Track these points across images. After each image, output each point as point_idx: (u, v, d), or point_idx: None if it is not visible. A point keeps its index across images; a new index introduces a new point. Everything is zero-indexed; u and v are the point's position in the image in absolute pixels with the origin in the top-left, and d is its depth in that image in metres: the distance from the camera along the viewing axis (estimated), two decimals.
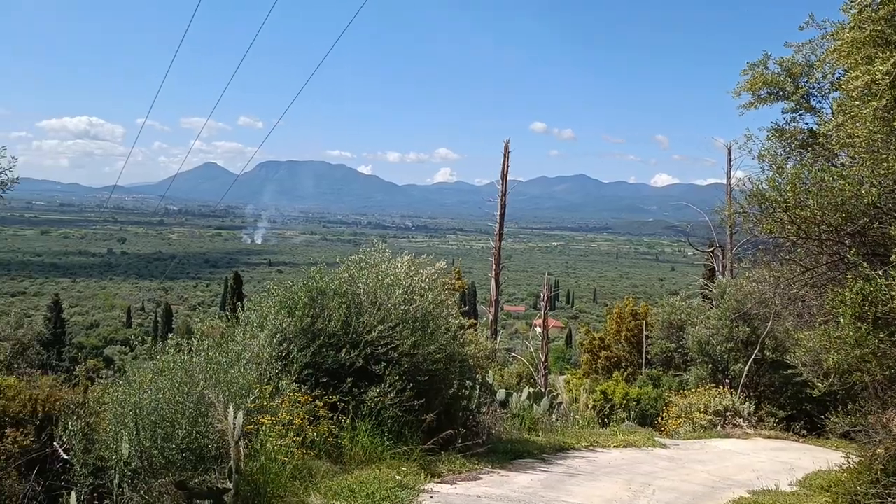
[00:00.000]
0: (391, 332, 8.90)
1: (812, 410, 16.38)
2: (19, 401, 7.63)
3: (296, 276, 10.00)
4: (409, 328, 9.07)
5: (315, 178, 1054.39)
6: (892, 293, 6.37)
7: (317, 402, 7.88)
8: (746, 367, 17.35)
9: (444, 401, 9.60)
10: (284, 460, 6.78)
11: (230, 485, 6.11)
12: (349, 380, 8.51)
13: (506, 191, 24.80)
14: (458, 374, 10.02)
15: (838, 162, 10.51)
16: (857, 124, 7.89)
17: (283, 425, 7.07)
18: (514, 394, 14.59)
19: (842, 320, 6.83)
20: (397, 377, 8.56)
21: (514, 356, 32.52)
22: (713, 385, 17.40)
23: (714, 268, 29.14)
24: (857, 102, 8.11)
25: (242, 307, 9.64)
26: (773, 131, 15.27)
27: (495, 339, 23.64)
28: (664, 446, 13.12)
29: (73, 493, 6.34)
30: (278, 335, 8.47)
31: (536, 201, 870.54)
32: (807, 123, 15.21)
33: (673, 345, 22.35)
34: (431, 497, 7.36)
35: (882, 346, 6.55)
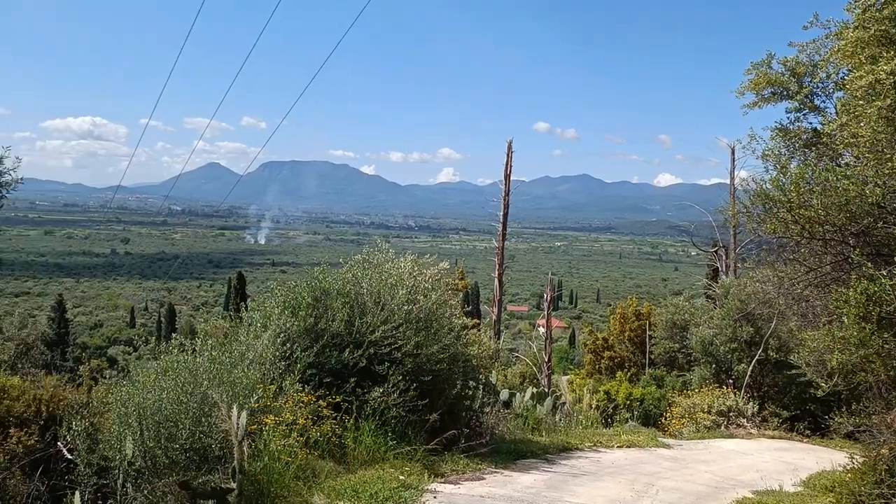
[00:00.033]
0: (395, 332, 8.90)
1: (816, 411, 16.34)
2: (23, 401, 7.65)
3: (299, 276, 10.00)
4: (413, 328, 9.07)
5: (318, 179, 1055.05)
6: None
7: (320, 402, 7.88)
8: (750, 368, 17.33)
9: (448, 401, 9.59)
10: (288, 460, 6.78)
11: (234, 485, 6.11)
12: (352, 380, 8.51)
13: (509, 191, 24.80)
14: (461, 375, 10.01)
15: (842, 162, 10.49)
16: (862, 124, 7.88)
17: (286, 425, 7.07)
18: (518, 394, 14.59)
19: (846, 320, 6.82)
20: (401, 377, 8.56)
21: (517, 356, 32.53)
22: (717, 385, 17.37)
23: (717, 268, 29.09)
24: (861, 102, 8.11)
25: (246, 307, 9.64)
26: (776, 131, 15.26)
27: (498, 339, 23.64)
28: (668, 446, 13.10)
29: (77, 493, 6.35)
30: (282, 335, 8.48)
31: (540, 201, 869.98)
32: (811, 123, 15.21)
33: (676, 345, 22.31)
34: (435, 497, 7.35)
35: (886, 346, 6.54)
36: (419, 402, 8.63)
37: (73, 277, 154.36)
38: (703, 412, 16.05)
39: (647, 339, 24.92)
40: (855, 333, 6.65)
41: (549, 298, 26.61)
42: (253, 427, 6.72)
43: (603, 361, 28.25)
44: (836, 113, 12.43)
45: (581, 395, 20.19)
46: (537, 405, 14.26)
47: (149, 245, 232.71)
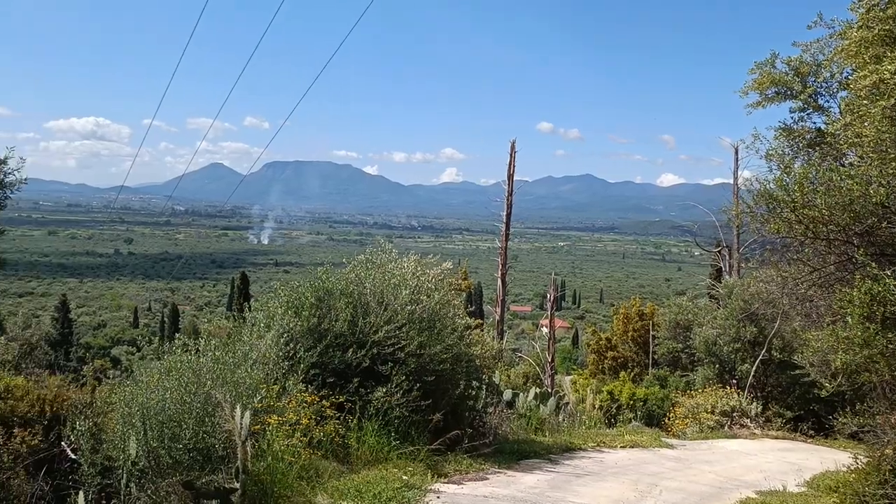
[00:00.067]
0: (398, 333, 8.90)
1: (820, 411, 16.31)
2: (27, 401, 7.66)
3: (302, 276, 10.01)
4: (416, 328, 9.07)
5: (321, 179, 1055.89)
6: None
7: (323, 402, 7.88)
8: (754, 368, 17.30)
9: (451, 401, 9.59)
10: (291, 460, 6.78)
11: (237, 485, 6.12)
12: (356, 380, 8.51)
13: (512, 191, 24.78)
14: (464, 375, 10.01)
15: (846, 161, 10.47)
16: (866, 124, 7.86)
17: (289, 425, 7.07)
18: (521, 394, 14.58)
19: (850, 320, 6.80)
20: (404, 377, 8.56)
21: (520, 356, 32.51)
22: (720, 385, 17.35)
23: (721, 268, 29.06)
24: (865, 101, 8.09)
25: (249, 307, 9.65)
26: (780, 131, 15.23)
27: (502, 339, 23.62)
28: (671, 447, 13.09)
29: (81, 493, 6.35)
30: (285, 335, 8.48)
31: (543, 201, 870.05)
32: (815, 123, 15.17)
33: (680, 345, 22.29)
34: (438, 497, 7.35)
35: (891, 346, 6.52)
36: (422, 402, 8.64)
37: (76, 278, 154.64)
38: (707, 412, 16.03)
39: (650, 340, 24.89)
40: (859, 333, 6.64)
41: (552, 298, 26.59)
42: (256, 427, 6.72)
43: (606, 361, 28.22)
44: (840, 112, 12.41)
45: (584, 396, 20.18)
46: (540, 405, 14.26)
47: (152, 245, 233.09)
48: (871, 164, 7.49)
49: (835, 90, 14.75)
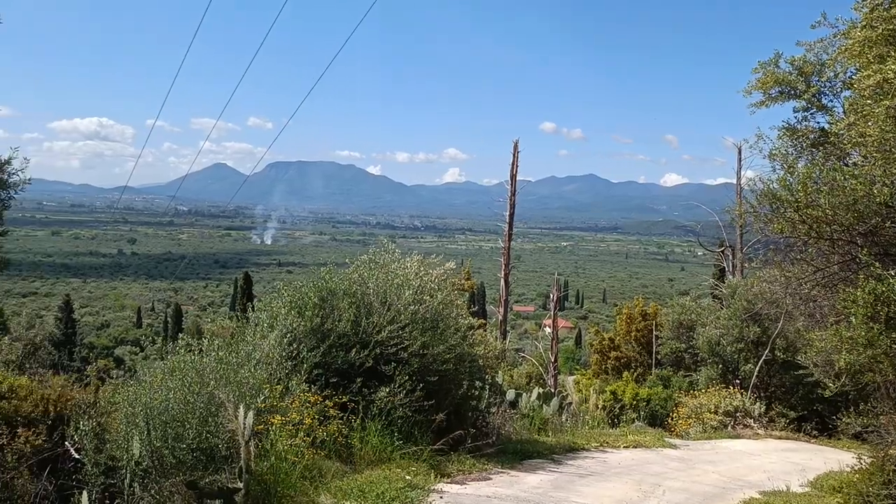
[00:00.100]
0: (401, 333, 8.90)
1: (823, 411, 16.29)
2: (31, 400, 7.66)
3: (305, 276, 10.02)
4: (419, 328, 9.08)
5: (324, 179, 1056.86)
6: None
7: (327, 402, 7.89)
8: (757, 368, 17.28)
9: (454, 401, 9.60)
10: (295, 460, 6.79)
11: (240, 485, 6.12)
12: (359, 380, 8.52)
13: (515, 191, 24.78)
14: (467, 375, 10.02)
15: (850, 161, 10.45)
16: (869, 123, 7.85)
17: (293, 425, 7.08)
18: (524, 394, 14.58)
19: (854, 320, 6.79)
20: (407, 377, 8.56)
21: (523, 356, 32.50)
22: (723, 385, 17.33)
23: (724, 268, 29.05)
24: (868, 101, 8.08)
25: (252, 307, 9.66)
26: (784, 130, 15.21)
27: (505, 339, 23.62)
28: (674, 447, 13.08)
29: (85, 493, 6.36)
30: (288, 335, 8.49)
31: (546, 201, 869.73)
32: (818, 122, 15.15)
33: (683, 345, 22.27)
34: (441, 497, 7.36)
35: (894, 346, 6.51)
36: (425, 402, 8.64)
37: (80, 278, 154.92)
38: (710, 412, 16.02)
39: (653, 340, 24.87)
40: (863, 333, 6.63)
41: (555, 298, 26.58)
42: (259, 427, 6.73)
43: (609, 361, 28.19)
44: (844, 112, 12.39)
45: (587, 396, 20.15)
46: (543, 405, 14.26)
47: (155, 245, 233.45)
48: (874, 164, 7.48)
49: (838, 90, 14.74)
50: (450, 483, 8.03)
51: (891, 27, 8.62)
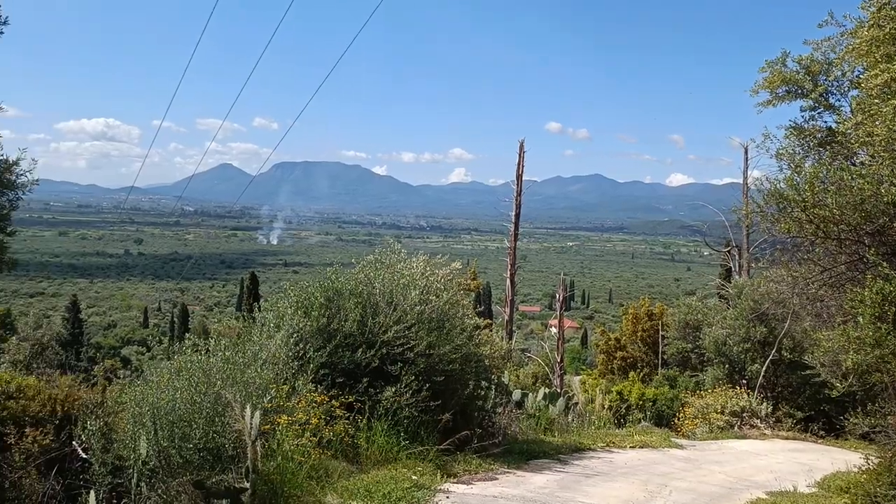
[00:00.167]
0: (407, 333, 8.91)
1: (830, 411, 16.24)
2: (39, 400, 7.70)
3: (312, 276, 10.03)
4: (425, 328, 9.08)
5: (330, 179, 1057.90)
6: None
7: (333, 402, 7.89)
8: (764, 368, 17.24)
9: (460, 401, 9.59)
10: (301, 460, 6.79)
11: (247, 484, 6.13)
12: (365, 380, 8.52)
13: (521, 191, 24.77)
14: (473, 375, 10.01)
15: (857, 160, 10.42)
16: (877, 122, 7.83)
17: (299, 425, 7.09)
18: (530, 394, 14.57)
19: (861, 320, 6.78)
20: (413, 377, 8.57)
21: (529, 357, 32.49)
22: (730, 385, 17.29)
23: (730, 268, 28.97)
24: (876, 100, 8.06)
25: (259, 308, 9.67)
26: (791, 130, 15.18)
27: (510, 339, 23.62)
28: (681, 447, 13.06)
29: (92, 493, 6.38)
30: (295, 335, 8.50)
31: (551, 201, 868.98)
32: (825, 122, 15.12)
33: (689, 345, 22.22)
34: (447, 497, 7.35)
35: None
36: (431, 402, 8.64)
37: (87, 278, 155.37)
38: (717, 412, 15.98)
39: (659, 340, 24.82)
40: (870, 333, 6.61)
41: (561, 298, 26.56)
42: (266, 427, 6.74)
43: (615, 362, 28.17)
44: (851, 111, 12.36)
45: (593, 396, 20.15)
46: (550, 405, 14.25)
47: (162, 245, 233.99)
48: (882, 164, 7.46)
49: (846, 89, 14.70)
50: (456, 483, 8.03)
51: None
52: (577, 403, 17.27)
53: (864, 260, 7.60)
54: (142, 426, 6.78)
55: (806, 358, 14.91)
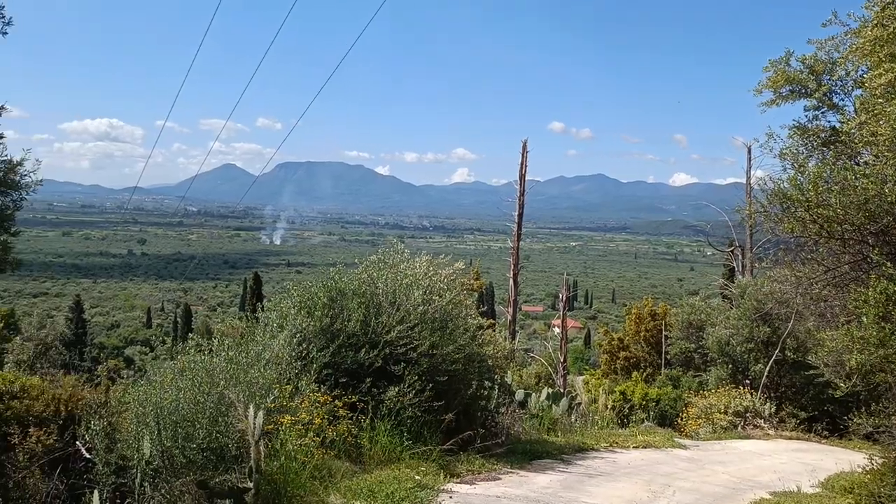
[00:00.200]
0: (410, 333, 8.91)
1: (834, 411, 16.21)
2: (42, 400, 7.70)
3: (315, 276, 10.03)
4: (428, 328, 9.08)
5: (333, 179, 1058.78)
6: None
7: (336, 401, 7.90)
8: (767, 368, 17.21)
9: (463, 401, 9.59)
10: (304, 460, 6.80)
11: (250, 484, 6.14)
12: (368, 380, 8.53)
13: (524, 191, 24.74)
14: (476, 375, 10.01)
15: (861, 160, 10.40)
16: (881, 122, 7.82)
17: (302, 425, 7.09)
18: (533, 394, 14.56)
19: (865, 320, 6.77)
20: (416, 377, 8.57)
21: (532, 357, 32.46)
22: (733, 386, 17.26)
23: (734, 267, 28.95)
24: (880, 100, 8.04)
25: (262, 308, 9.68)
26: (794, 129, 15.17)
27: (514, 339, 23.59)
28: (684, 447, 13.04)
29: (96, 492, 6.39)
30: (298, 335, 8.50)
31: (554, 201, 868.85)
32: (829, 121, 15.10)
33: (692, 345, 22.20)
34: (451, 497, 7.35)
35: None
36: (435, 402, 8.64)
37: (90, 278, 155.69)
38: (720, 413, 15.96)
39: (662, 340, 24.80)
40: (874, 333, 6.60)
41: (564, 298, 26.53)
42: (269, 427, 6.74)
43: (618, 362, 28.14)
44: (855, 111, 12.34)
45: (596, 396, 20.12)
46: (553, 405, 14.24)
47: (165, 246, 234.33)
48: (886, 163, 7.44)
49: (850, 88, 14.68)
50: (459, 483, 8.03)
51: None
52: (580, 403, 17.25)
53: (868, 260, 7.58)
54: (145, 426, 6.79)
55: (809, 358, 14.89)
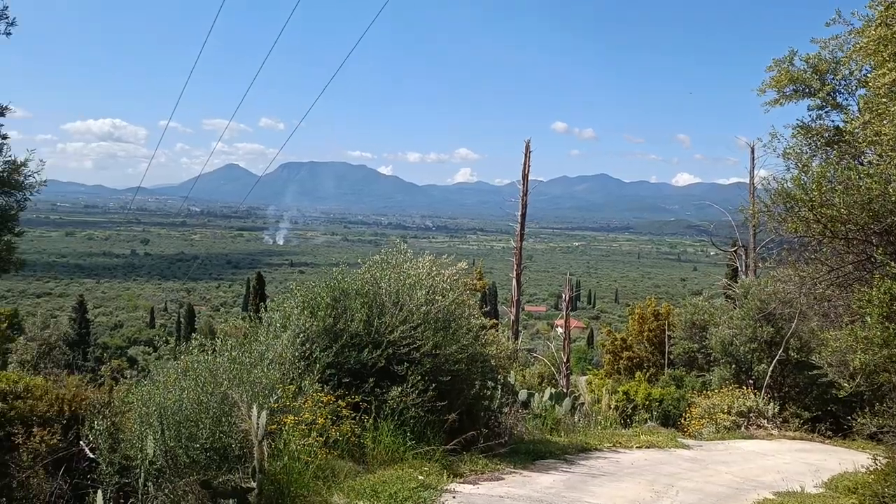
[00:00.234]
0: (413, 333, 8.91)
1: (838, 411, 16.18)
2: (46, 400, 7.72)
3: (318, 276, 10.03)
4: (431, 328, 9.07)
5: (336, 179, 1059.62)
6: None
7: (339, 401, 7.90)
8: (770, 368, 17.18)
9: (466, 401, 9.59)
10: (307, 460, 6.80)
11: (254, 484, 6.14)
12: (371, 380, 8.52)
13: (527, 191, 24.75)
14: (479, 375, 10.01)
15: (865, 160, 10.39)
16: (885, 122, 7.80)
17: (306, 425, 7.09)
18: (536, 394, 14.57)
19: (869, 320, 6.75)
20: (419, 377, 8.56)
21: (535, 357, 32.47)
22: (736, 386, 17.24)
23: (737, 267, 28.92)
24: (884, 100, 8.03)
25: (265, 308, 9.69)
26: (798, 129, 15.12)
27: (517, 339, 23.60)
28: (687, 447, 13.03)
29: (100, 492, 6.40)
30: (301, 335, 8.51)
31: (557, 201, 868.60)
32: (833, 121, 15.06)
33: (696, 345, 22.18)
34: (454, 497, 7.35)
35: None
36: (438, 402, 8.64)
37: (93, 278, 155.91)
38: (723, 413, 15.94)
39: (665, 340, 24.78)
40: (878, 333, 6.59)
41: (567, 298, 26.54)
42: (273, 427, 6.74)
43: (621, 362, 28.11)
44: (859, 111, 12.31)
45: (600, 396, 20.12)
46: (556, 405, 14.23)
47: (168, 246, 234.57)
48: (890, 163, 7.43)
49: (853, 88, 14.64)
50: (462, 483, 8.03)
51: None
52: (583, 403, 17.25)
53: (872, 259, 7.57)
54: (149, 426, 6.80)
55: (813, 358, 14.85)
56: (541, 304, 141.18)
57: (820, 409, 16.89)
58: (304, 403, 7.45)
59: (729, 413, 15.91)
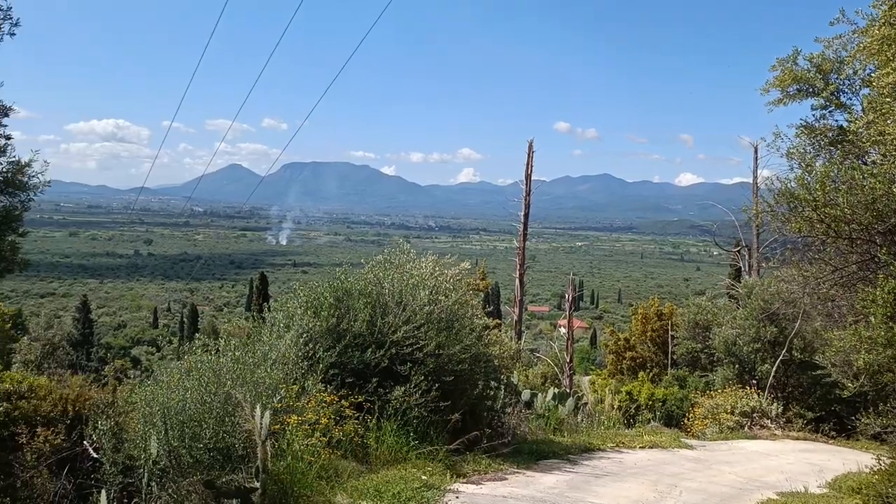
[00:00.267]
0: (416, 333, 8.91)
1: (841, 411, 16.16)
2: (50, 400, 7.74)
3: (321, 276, 10.04)
4: (434, 328, 9.08)
5: (339, 179, 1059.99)
6: None
7: (342, 401, 7.90)
8: (774, 368, 17.17)
9: (469, 401, 9.59)
10: (311, 460, 6.80)
11: (257, 484, 6.15)
12: (374, 380, 8.53)
13: (530, 191, 24.74)
14: (482, 375, 10.01)
15: (869, 160, 10.36)
16: (889, 121, 7.79)
17: (309, 425, 7.09)
18: (539, 394, 14.56)
19: (873, 320, 6.74)
20: (422, 377, 8.57)
21: (538, 357, 32.47)
22: (740, 386, 17.23)
23: (740, 267, 28.87)
24: (888, 99, 8.01)
25: (268, 308, 9.69)
26: (802, 128, 15.10)
27: (520, 339, 23.59)
28: (690, 447, 13.02)
29: (103, 492, 6.41)
30: (304, 335, 8.51)
31: (560, 201, 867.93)
32: (836, 120, 15.03)
33: (699, 345, 22.15)
34: (457, 497, 7.35)
35: None
36: (441, 402, 8.64)
37: (97, 278, 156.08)
38: (727, 413, 15.93)
39: (669, 340, 24.75)
40: (882, 333, 6.58)
41: (570, 298, 26.53)
42: (276, 427, 6.75)
43: (625, 362, 28.10)
44: (863, 110, 12.29)
45: (603, 396, 20.10)
46: (559, 405, 14.22)
47: (171, 246, 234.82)
48: (894, 163, 7.42)
49: (857, 87, 14.61)
50: (465, 483, 8.03)
51: None
52: (586, 403, 17.24)
53: (876, 259, 7.56)
54: (152, 426, 6.81)
55: (817, 358, 14.84)
56: (544, 305, 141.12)
57: (823, 410, 16.87)
58: (307, 403, 7.45)
59: (732, 413, 15.89)
